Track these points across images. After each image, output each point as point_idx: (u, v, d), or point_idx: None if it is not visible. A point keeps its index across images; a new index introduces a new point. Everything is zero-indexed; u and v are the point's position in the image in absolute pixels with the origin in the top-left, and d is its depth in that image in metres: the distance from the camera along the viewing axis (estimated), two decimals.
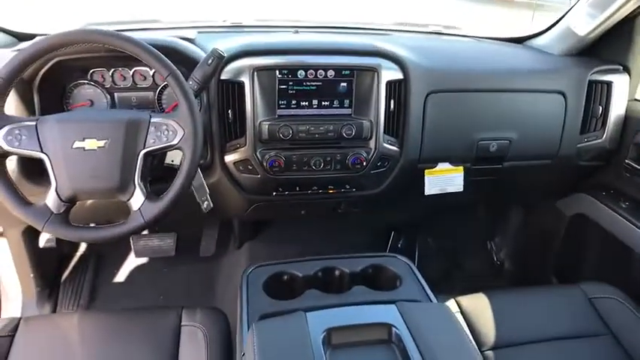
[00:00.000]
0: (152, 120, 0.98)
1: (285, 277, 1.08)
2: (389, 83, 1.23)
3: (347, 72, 1.22)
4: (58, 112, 1.19)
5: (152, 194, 1.00)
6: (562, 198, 1.64)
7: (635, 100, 1.44)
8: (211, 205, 1.15)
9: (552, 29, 1.55)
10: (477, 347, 1.07)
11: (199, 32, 1.34)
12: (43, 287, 1.70)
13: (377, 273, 1.10)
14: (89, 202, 1.18)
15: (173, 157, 1.13)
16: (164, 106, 1.25)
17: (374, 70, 1.22)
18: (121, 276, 1.87)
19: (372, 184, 1.34)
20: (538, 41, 1.61)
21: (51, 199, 0.96)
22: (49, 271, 1.76)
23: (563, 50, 1.49)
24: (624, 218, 1.37)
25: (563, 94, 1.37)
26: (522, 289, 1.31)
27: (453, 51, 1.50)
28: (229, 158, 1.23)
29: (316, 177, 1.27)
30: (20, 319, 1.11)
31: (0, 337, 1.05)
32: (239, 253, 1.90)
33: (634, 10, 1.30)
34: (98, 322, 1.13)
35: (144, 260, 1.91)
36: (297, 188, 1.30)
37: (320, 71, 1.21)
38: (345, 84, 1.23)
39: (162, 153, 1.07)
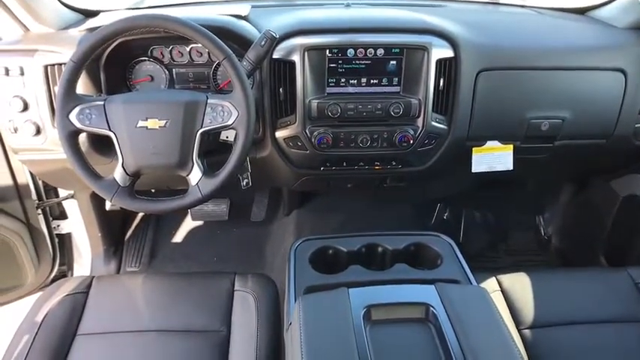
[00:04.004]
0: (209, 101, 1.04)
1: (330, 252, 1.13)
2: (439, 61, 1.22)
3: (397, 50, 1.22)
4: (122, 87, 1.28)
5: (209, 170, 1.07)
6: (616, 178, 1.59)
7: None
8: (250, 183, 1.22)
9: (618, 0, 1.47)
10: (514, 327, 1.10)
11: (253, 7, 1.37)
12: (109, 245, 1.86)
13: (419, 251, 1.13)
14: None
15: (227, 134, 1.19)
16: (219, 81, 1.31)
17: (424, 49, 1.21)
18: (178, 237, 2.01)
19: (418, 160, 1.35)
20: (601, 12, 1.52)
21: (118, 174, 1.05)
22: (114, 230, 1.91)
23: (629, 23, 1.41)
24: None
25: (623, 71, 1.30)
26: (565, 269, 1.31)
27: (509, 25, 1.45)
28: (280, 134, 1.27)
29: (363, 154, 1.30)
30: (93, 277, 1.24)
31: (77, 292, 1.19)
32: (287, 219, 1.98)
33: None
34: (160, 283, 1.24)
35: (199, 223, 2.04)
36: (344, 164, 1.34)
37: (370, 50, 1.21)
38: (394, 62, 1.23)
39: (217, 132, 1.13)
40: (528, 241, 2.02)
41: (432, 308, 0.87)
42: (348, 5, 1.47)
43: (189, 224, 2.04)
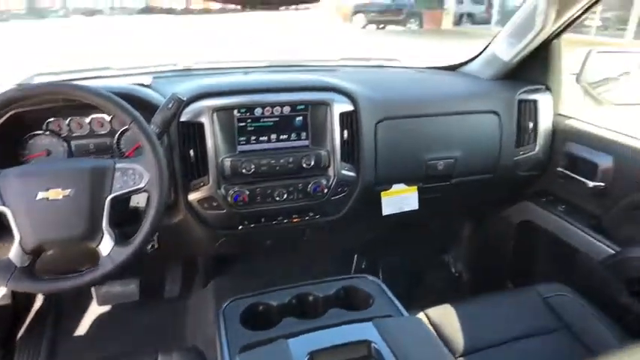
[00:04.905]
0: (117, 165, 1.00)
1: (261, 308, 1.10)
2: (341, 115, 1.32)
3: (302, 107, 1.30)
4: (14, 163, 1.19)
5: (121, 239, 1.01)
6: (508, 207, 1.77)
7: (559, 114, 1.60)
8: (156, 245, 1.18)
9: (480, 56, 1.71)
10: (452, 356, 1.14)
11: (154, 78, 1.38)
12: None
13: (349, 294, 1.14)
14: (50, 252, 1.17)
15: (138, 200, 1.14)
16: (123, 150, 1.27)
17: (327, 104, 1.30)
18: (82, 328, 1.81)
19: (333, 209, 1.40)
20: (469, 68, 1.75)
21: (14, 253, 0.95)
22: (3, 330, 1.67)
23: (492, 75, 1.64)
24: (564, 220, 1.51)
25: (497, 113, 1.50)
26: (484, 296, 1.39)
27: (396, 82, 1.62)
28: (193, 196, 1.25)
29: (280, 207, 1.32)
30: None
31: None
32: (205, 291, 1.89)
33: (547, 37, 1.47)
34: None
35: (107, 308, 1.86)
36: (263, 220, 1.34)
37: (276, 107, 1.27)
38: (300, 118, 1.30)
39: (128, 197, 1.09)
40: (442, 280, 2.12)
41: (373, 344, 0.88)
42: (246, 73, 1.54)
43: (95, 311, 1.84)
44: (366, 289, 1.13)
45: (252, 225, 1.34)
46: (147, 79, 1.33)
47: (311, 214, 1.38)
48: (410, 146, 1.44)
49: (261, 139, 1.28)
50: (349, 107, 1.34)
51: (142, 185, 1.00)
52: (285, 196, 1.30)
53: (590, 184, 1.41)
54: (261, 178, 1.28)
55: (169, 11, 19.04)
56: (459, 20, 18.09)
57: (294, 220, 1.37)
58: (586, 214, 1.48)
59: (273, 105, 1.27)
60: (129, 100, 1.06)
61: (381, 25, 17.40)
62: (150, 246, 1.18)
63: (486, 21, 17.78)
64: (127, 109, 1.00)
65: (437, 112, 1.46)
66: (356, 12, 17.78)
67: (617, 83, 1.64)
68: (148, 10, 18.64)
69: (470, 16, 18.32)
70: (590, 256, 1.42)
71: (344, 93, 1.35)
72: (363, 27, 17.32)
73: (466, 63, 1.79)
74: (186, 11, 19.95)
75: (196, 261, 1.87)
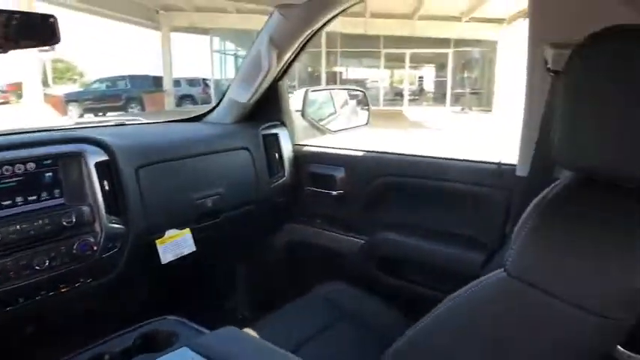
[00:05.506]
0: None
1: None
2: (97, 165, 1.25)
3: (49, 162, 1.18)
4: None
5: None
6: (276, 233, 1.93)
7: (296, 144, 1.87)
8: None
9: (220, 105, 1.86)
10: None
11: None
12: None
13: (150, 339, 1.05)
14: None
15: None
16: None
17: (79, 155, 1.22)
18: None
19: (107, 269, 1.28)
20: (212, 117, 1.89)
21: None
22: None
23: (234, 118, 1.81)
24: (322, 229, 1.75)
25: (247, 149, 1.66)
26: (273, 312, 1.47)
27: (146, 132, 1.63)
28: None
29: (42, 278, 1.14)
30: None
31: None
32: None
33: (274, 78, 1.73)
34: None
35: None
36: (21, 300, 1.13)
37: (18, 165, 1.13)
38: (50, 174, 1.18)
39: None
40: (231, 323, 2.10)
41: None
42: None
43: None
44: (168, 329, 1.07)
45: (8, 308, 1.11)
46: None
47: (82, 280, 1.23)
48: (176, 189, 1.44)
49: (4, 203, 1.10)
50: (104, 157, 1.28)
51: None
52: (48, 263, 1.14)
53: (334, 193, 1.69)
54: (12, 249, 1.09)
55: None
56: (180, 101, 18.81)
57: (63, 291, 1.19)
58: (337, 218, 1.75)
59: (12, 163, 1.12)
60: None
61: (100, 113, 16.69)
62: None
63: (206, 101, 18.99)
64: None
65: (193, 154, 1.51)
66: (68, 101, 16.69)
67: (332, 116, 2.05)
68: None
69: (189, 97, 19.27)
70: (348, 252, 1.67)
71: (95, 143, 1.29)
72: (80, 116, 16.31)
73: (208, 113, 1.91)
74: None
75: None
